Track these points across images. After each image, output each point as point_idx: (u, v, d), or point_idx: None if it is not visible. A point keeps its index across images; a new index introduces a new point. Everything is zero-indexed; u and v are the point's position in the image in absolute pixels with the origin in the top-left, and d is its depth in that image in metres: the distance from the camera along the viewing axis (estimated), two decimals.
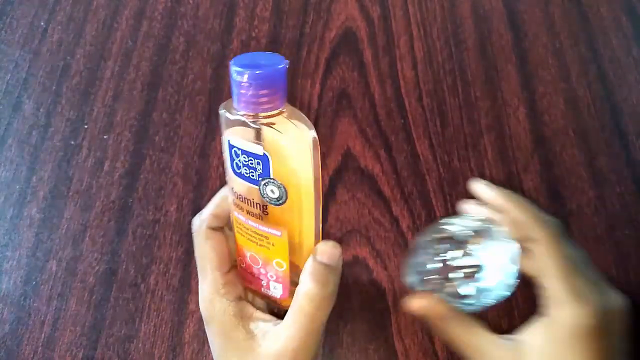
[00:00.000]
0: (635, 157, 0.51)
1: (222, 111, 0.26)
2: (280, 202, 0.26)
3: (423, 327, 0.43)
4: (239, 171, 0.27)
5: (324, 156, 0.50)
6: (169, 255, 0.46)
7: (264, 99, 0.24)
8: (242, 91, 0.24)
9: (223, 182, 0.51)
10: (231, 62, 0.24)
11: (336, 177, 0.49)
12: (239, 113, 0.25)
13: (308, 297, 0.27)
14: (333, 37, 0.57)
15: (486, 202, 0.34)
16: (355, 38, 0.57)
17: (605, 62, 0.56)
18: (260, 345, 0.27)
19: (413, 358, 0.42)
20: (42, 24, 0.58)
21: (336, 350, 0.42)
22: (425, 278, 0.36)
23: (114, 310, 0.44)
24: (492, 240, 0.35)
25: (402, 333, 0.43)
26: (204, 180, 0.49)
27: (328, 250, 0.28)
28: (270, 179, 0.26)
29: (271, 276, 0.29)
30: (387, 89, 0.54)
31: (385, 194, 0.48)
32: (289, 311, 0.28)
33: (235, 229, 0.29)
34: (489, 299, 0.35)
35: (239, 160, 0.26)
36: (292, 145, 0.26)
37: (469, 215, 0.37)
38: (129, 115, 0.52)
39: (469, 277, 0.35)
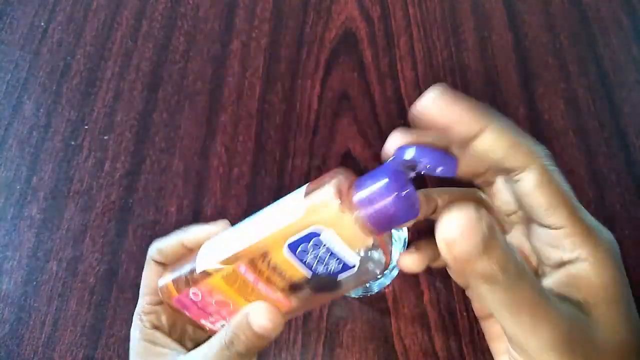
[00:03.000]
0: (635, 157, 0.51)
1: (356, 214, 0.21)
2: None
3: (423, 328, 0.43)
4: (301, 258, 0.23)
5: (324, 157, 0.50)
6: None
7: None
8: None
9: (223, 183, 0.51)
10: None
11: None
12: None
13: (235, 344, 0.26)
14: (333, 37, 0.57)
15: (449, 120, 0.21)
16: (355, 38, 0.57)
17: (605, 62, 0.56)
18: None
19: (413, 358, 0.42)
20: (42, 24, 0.58)
21: (336, 350, 0.42)
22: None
23: (114, 311, 0.44)
24: None
25: (401, 333, 0.43)
26: (205, 180, 0.49)
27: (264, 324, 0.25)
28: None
29: (225, 317, 0.27)
30: (387, 90, 0.54)
31: None
32: (208, 342, 0.28)
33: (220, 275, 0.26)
34: (392, 277, 0.40)
35: (317, 254, 0.22)
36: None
37: None
38: (129, 116, 0.52)
39: None
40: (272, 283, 0.24)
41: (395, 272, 0.41)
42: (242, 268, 0.24)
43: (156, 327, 0.30)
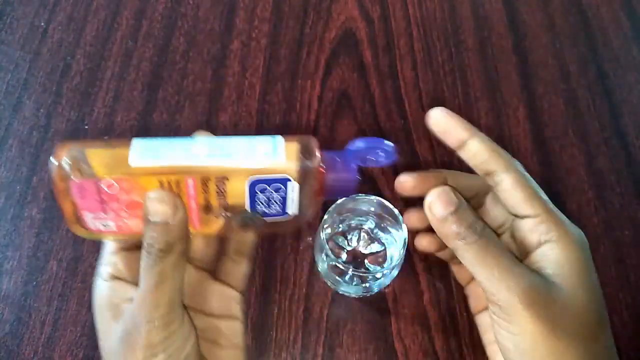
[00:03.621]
0: (635, 157, 0.51)
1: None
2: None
3: (423, 328, 0.43)
4: (254, 194, 0.25)
5: None
6: None
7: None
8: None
9: None
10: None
11: None
12: None
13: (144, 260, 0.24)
14: (333, 37, 0.57)
15: (445, 131, 0.30)
16: (355, 39, 0.57)
17: (605, 62, 0.56)
18: (118, 323, 0.25)
19: (413, 358, 0.42)
20: (42, 24, 0.58)
21: (336, 350, 0.42)
22: (333, 264, 0.40)
23: None
24: (388, 222, 0.42)
25: (402, 333, 0.43)
26: None
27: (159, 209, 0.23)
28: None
29: (121, 217, 0.25)
30: (387, 90, 0.54)
31: (385, 195, 0.48)
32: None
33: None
34: (391, 277, 0.41)
35: (269, 197, 0.25)
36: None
37: (361, 197, 0.41)
38: (129, 116, 0.52)
39: (380, 260, 0.42)
40: (205, 204, 0.25)
41: (395, 272, 0.41)
42: (191, 182, 0.24)
43: (115, 278, 0.27)
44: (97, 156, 0.24)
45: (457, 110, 0.53)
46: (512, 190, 0.28)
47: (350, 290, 0.42)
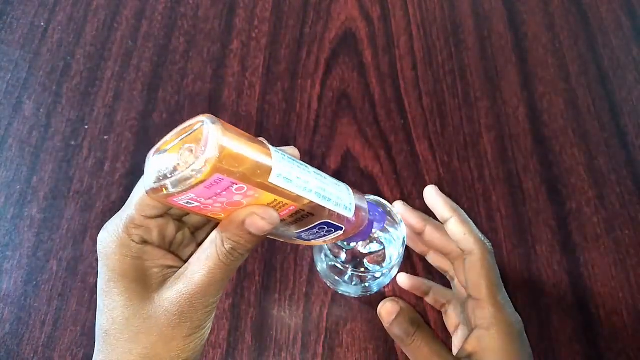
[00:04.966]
0: (635, 157, 0.51)
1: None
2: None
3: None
4: (314, 227, 0.28)
5: (324, 156, 0.50)
6: None
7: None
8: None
9: None
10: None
11: (336, 178, 0.49)
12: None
13: (227, 254, 0.25)
14: (333, 37, 0.57)
15: (432, 207, 0.37)
16: (355, 38, 0.57)
17: (605, 62, 0.56)
18: (155, 290, 0.26)
19: None
20: (42, 24, 0.58)
21: (336, 350, 0.42)
22: (332, 264, 0.41)
23: None
24: (387, 221, 0.43)
25: None
26: None
27: (259, 224, 0.24)
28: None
29: (212, 209, 0.25)
30: (387, 90, 0.54)
31: (385, 194, 0.48)
32: (195, 255, 0.26)
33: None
34: (391, 277, 0.42)
35: (318, 231, 0.28)
36: None
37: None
38: (129, 116, 0.52)
39: (379, 259, 0.42)
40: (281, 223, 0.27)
41: (394, 272, 0.41)
42: (292, 208, 0.26)
43: (145, 242, 0.27)
44: (235, 151, 0.21)
45: (457, 110, 0.53)
46: (467, 272, 0.33)
47: (349, 290, 0.42)
